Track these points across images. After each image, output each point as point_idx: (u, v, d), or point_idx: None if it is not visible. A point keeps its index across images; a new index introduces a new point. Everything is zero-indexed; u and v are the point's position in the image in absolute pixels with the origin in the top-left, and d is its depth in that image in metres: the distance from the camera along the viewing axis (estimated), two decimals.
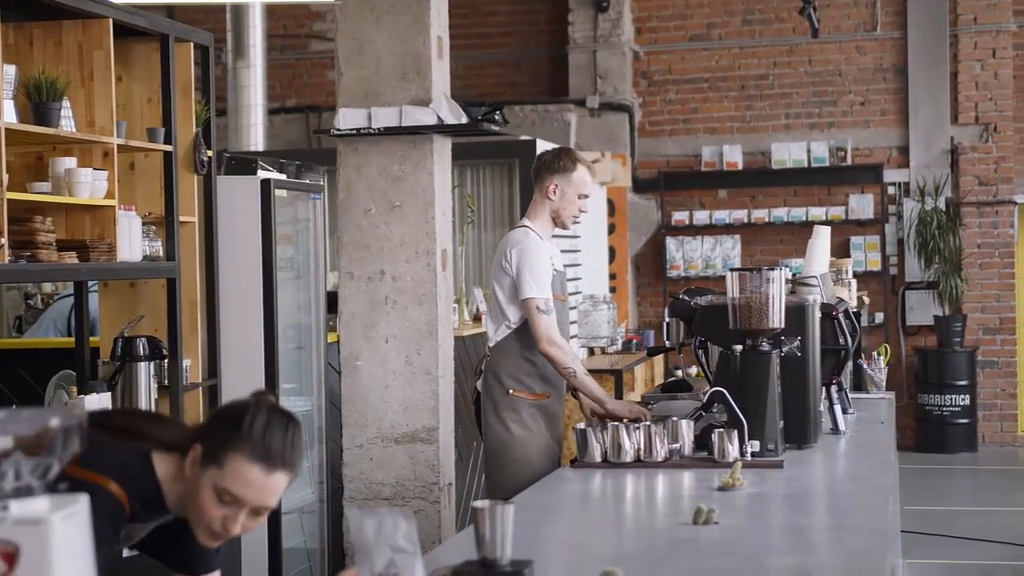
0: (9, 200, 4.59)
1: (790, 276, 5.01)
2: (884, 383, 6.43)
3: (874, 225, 12.26)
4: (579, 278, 10.00)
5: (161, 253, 5.53)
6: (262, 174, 6.41)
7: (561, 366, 4.93)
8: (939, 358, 11.90)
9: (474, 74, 12.77)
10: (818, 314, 4.69)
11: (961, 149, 12.22)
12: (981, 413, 12.07)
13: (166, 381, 5.52)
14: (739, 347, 4.37)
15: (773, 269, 4.40)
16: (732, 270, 4.44)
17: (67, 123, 4.96)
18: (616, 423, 4.35)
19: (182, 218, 5.66)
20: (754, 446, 4.24)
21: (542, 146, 9.03)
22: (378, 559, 2.29)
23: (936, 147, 12.24)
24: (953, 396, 11.82)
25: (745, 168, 12.50)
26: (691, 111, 12.69)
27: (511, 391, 4.99)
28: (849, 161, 12.31)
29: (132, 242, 5.27)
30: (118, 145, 5.20)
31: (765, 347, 4.37)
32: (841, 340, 5.01)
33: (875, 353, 6.58)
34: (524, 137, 10.15)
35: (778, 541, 3.41)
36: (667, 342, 5.16)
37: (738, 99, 12.61)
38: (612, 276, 11.86)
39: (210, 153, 5.87)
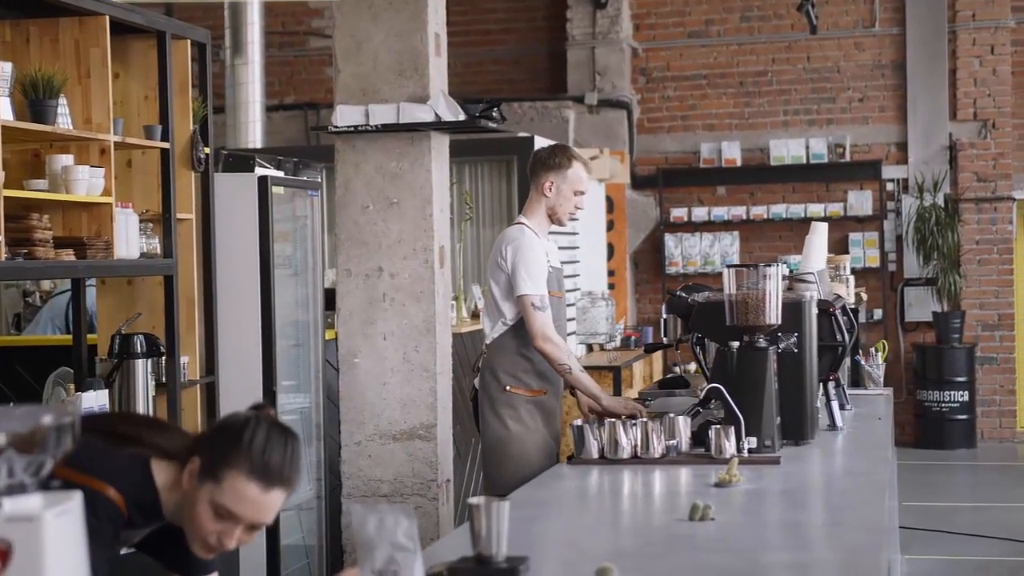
0: (6, 197, 4.59)
1: (787, 272, 5.01)
2: (882, 379, 6.42)
3: (873, 221, 12.25)
4: (577, 275, 9.99)
5: (158, 250, 5.53)
6: (260, 171, 6.41)
7: (556, 363, 4.92)
8: (938, 354, 11.90)
9: (472, 71, 12.77)
10: (815, 310, 4.68)
11: (960, 145, 12.21)
12: (980, 409, 12.06)
13: (164, 378, 5.52)
14: (736, 343, 4.37)
15: (770, 265, 4.39)
16: (729, 266, 4.42)
17: (64, 120, 4.96)
18: (613, 419, 4.35)
19: (179, 215, 5.66)
20: (751, 442, 4.24)
21: (540, 143, 9.00)
22: (378, 556, 2.29)
23: (935, 143, 12.23)
24: (952, 392, 11.81)
25: (744, 165, 12.49)
26: (689, 108, 12.68)
27: (508, 387, 4.99)
28: (848, 157, 12.30)
29: (129, 239, 5.27)
30: (115, 142, 5.20)
31: (762, 343, 4.36)
32: (838, 336, 5.00)
33: (873, 349, 6.57)
34: (522, 134, 10.14)
35: (774, 537, 3.40)
36: (664, 339, 5.15)
37: (737, 96, 12.60)
38: (611, 273, 11.84)
39: (207, 150, 5.87)
